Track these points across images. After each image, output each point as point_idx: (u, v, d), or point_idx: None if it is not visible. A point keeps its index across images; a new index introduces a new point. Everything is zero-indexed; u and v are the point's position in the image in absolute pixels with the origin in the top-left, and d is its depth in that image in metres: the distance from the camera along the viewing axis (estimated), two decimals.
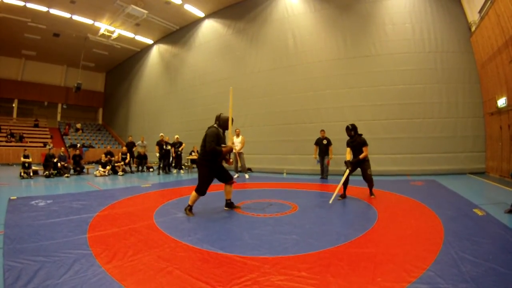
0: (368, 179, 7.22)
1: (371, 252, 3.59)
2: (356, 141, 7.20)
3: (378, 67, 12.40)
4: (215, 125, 6.13)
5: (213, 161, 5.79)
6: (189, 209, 5.77)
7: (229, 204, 6.21)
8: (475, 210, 5.51)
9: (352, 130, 7.24)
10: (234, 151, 11.82)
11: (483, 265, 3.08)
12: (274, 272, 3.03)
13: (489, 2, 10.27)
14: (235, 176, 12.32)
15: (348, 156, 7.31)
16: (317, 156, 11.50)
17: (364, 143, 7.12)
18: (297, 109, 13.68)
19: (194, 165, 16.19)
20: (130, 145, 16.11)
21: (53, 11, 17.47)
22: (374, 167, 11.66)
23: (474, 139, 11.63)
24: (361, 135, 7.26)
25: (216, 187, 9.77)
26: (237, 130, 12.56)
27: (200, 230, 4.69)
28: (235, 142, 12.31)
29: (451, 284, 2.69)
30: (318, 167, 11.87)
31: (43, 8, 17.16)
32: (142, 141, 16.23)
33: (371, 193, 7.37)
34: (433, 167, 11.35)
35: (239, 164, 12.55)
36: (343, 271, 3.07)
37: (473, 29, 11.65)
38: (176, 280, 2.87)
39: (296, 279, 2.87)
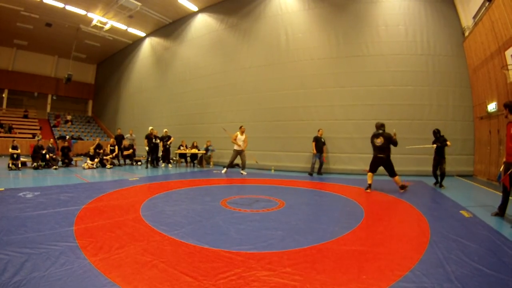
0: (442, 171, 9.03)
1: (357, 250, 3.60)
2: (439, 140, 9.14)
3: (370, 67, 12.44)
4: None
5: None
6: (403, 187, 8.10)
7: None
8: (462, 212, 5.56)
9: (437, 132, 9.29)
10: (237, 148, 12.09)
11: (468, 266, 3.10)
12: (259, 268, 3.02)
13: (484, 8, 10.37)
14: (243, 173, 12.04)
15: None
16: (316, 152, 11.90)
17: (446, 141, 9.04)
18: (287, 106, 13.66)
19: (182, 160, 16.14)
20: (119, 138, 15.98)
21: (47, 0, 17.18)
22: (362, 166, 11.83)
23: (463, 142, 11.74)
24: (443, 136, 9.19)
25: (204, 182, 9.79)
26: (242, 128, 12.32)
27: (186, 224, 4.67)
28: (239, 139, 12.10)
29: (436, 284, 2.70)
30: (305, 164, 12.00)
31: None
32: (131, 134, 16.11)
33: (441, 185, 9.00)
34: (421, 168, 11.36)
35: (238, 161, 12.41)
36: (328, 267, 3.07)
37: (466, 34, 11.74)
38: (162, 274, 2.86)
39: (281, 275, 2.86)
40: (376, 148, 8.25)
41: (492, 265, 3.14)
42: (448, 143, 8.93)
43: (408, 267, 3.07)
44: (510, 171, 4.93)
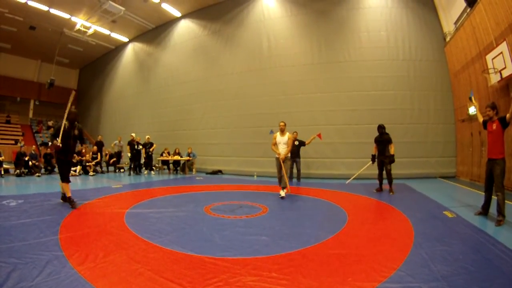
0: (387, 174, 8.25)
1: (342, 253, 3.61)
2: (383, 138, 8.35)
3: (351, 73, 12.55)
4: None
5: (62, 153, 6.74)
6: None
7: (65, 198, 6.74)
8: (445, 212, 5.64)
9: (382, 128, 8.46)
10: (278, 156, 8.09)
11: (453, 265, 3.15)
12: (245, 273, 3.01)
13: (465, 13, 10.63)
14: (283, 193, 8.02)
15: (374, 151, 8.68)
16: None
17: (390, 141, 8.24)
18: (268, 112, 13.60)
19: (165, 166, 16.03)
20: (100, 145, 15.77)
21: (31, 3, 16.78)
22: (344, 170, 11.94)
23: (445, 144, 11.97)
24: (387, 134, 8.37)
25: (187, 189, 9.73)
26: (281, 124, 8.05)
27: (171, 231, 4.63)
28: (279, 142, 8.05)
29: (422, 283, 2.73)
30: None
31: None
32: (119, 141, 15.89)
33: (390, 190, 8.24)
34: (403, 171, 11.46)
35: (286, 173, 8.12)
36: (314, 271, 3.07)
37: (447, 39, 12.00)
38: (148, 282, 2.83)
39: (267, 280, 2.86)
40: None
41: (477, 263, 3.20)
42: (391, 150, 8.05)
43: (393, 268, 3.09)
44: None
